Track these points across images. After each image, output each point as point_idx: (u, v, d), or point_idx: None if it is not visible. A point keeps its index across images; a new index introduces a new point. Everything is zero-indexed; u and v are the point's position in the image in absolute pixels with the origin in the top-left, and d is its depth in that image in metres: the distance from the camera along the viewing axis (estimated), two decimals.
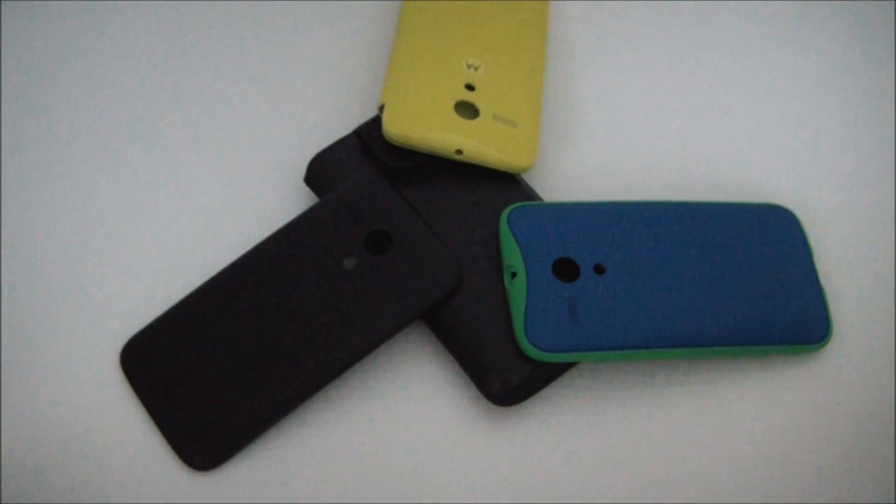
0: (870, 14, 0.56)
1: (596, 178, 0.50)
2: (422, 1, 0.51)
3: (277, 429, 0.42)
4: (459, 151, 0.45)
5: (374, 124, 0.47)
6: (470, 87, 0.48)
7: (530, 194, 0.47)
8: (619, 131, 0.51)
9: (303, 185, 0.47)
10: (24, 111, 0.50)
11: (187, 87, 0.51)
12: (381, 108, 0.46)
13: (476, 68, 0.49)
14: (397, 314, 0.42)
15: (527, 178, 0.48)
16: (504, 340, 0.42)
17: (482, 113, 0.47)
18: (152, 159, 0.49)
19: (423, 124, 0.45)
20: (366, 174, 0.45)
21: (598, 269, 0.43)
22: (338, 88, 0.52)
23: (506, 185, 0.47)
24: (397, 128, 0.45)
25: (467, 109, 0.47)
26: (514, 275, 0.43)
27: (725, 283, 0.43)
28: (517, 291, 0.42)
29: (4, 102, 0.50)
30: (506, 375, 0.41)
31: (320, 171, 0.47)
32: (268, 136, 0.50)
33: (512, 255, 0.43)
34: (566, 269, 0.43)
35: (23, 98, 0.50)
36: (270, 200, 0.48)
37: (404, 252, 0.43)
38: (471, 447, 0.42)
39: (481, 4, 0.51)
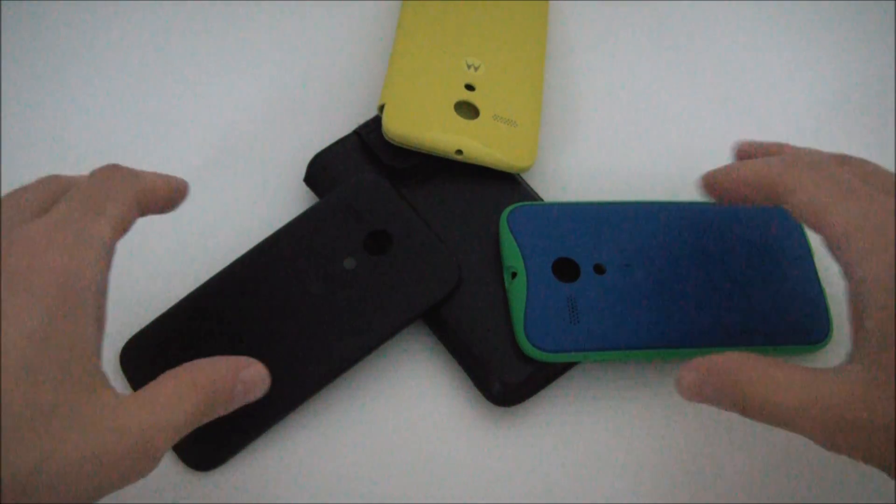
0: (869, 14, 0.56)
1: (596, 178, 0.50)
2: (422, 1, 0.51)
3: (277, 429, 0.42)
4: (459, 151, 0.45)
5: (374, 124, 0.47)
6: (470, 87, 0.48)
7: (530, 194, 0.47)
8: (618, 131, 0.51)
9: (303, 185, 0.47)
10: (25, 110, 0.50)
11: (187, 86, 0.51)
12: (381, 108, 0.46)
13: (476, 68, 0.49)
14: (397, 314, 0.42)
15: (527, 178, 0.48)
16: (504, 340, 0.42)
17: (482, 113, 0.47)
18: (152, 159, 0.49)
19: (423, 124, 0.45)
20: (366, 174, 0.45)
21: (598, 269, 0.43)
22: (338, 88, 0.52)
23: (506, 185, 0.47)
24: (397, 128, 0.45)
25: (467, 109, 0.47)
26: (514, 275, 0.43)
27: (725, 284, 0.43)
28: (517, 291, 0.42)
29: (5, 100, 0.50)
30: (506, 375, 0.41)
31: (320, 171, 0.47)
32: (268, 135, 0.50)
33: (512, 255, 0.43)
34: (566, 269, 0.43)
35: (23, 95, 0.50)
36: (270, 200, 0.48)
37: (404, 252, 0.43)
38: (471, 447, 0.42)
39: (481, 4, 0.51)
